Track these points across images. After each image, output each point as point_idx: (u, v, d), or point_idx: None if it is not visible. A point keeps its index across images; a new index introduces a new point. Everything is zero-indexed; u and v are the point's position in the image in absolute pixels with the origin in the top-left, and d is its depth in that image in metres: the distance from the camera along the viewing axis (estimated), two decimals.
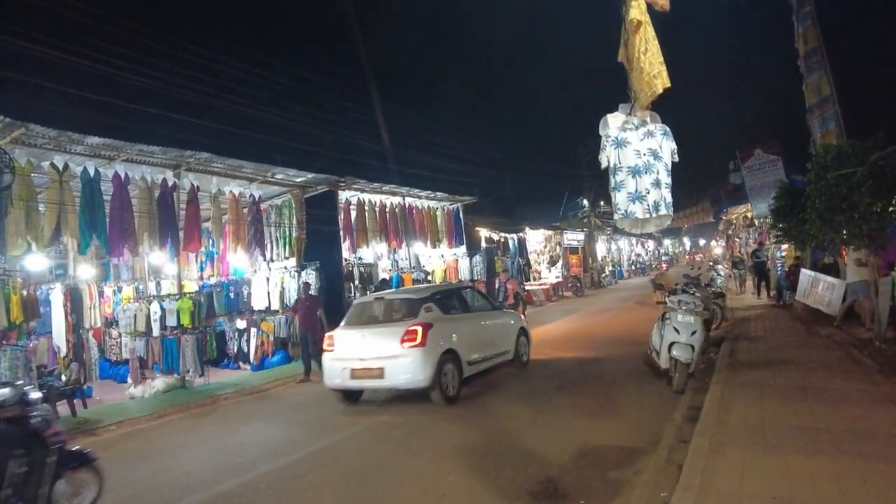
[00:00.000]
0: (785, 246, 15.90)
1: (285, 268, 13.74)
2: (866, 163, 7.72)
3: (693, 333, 7.11)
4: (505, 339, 9.37)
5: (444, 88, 70.46)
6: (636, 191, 6.68)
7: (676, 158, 6.83)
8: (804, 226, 11.96)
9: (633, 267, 44.55)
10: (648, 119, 6.89)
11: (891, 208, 7.79)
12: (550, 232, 28.27)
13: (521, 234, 24.43)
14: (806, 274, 13.28)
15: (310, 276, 12.96)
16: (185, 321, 10.82)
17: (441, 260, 20.68)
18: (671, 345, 7.16)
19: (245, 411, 8.90)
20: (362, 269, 15.39)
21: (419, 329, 7.40)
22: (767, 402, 5.63)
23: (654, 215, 6.73)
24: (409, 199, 17.50)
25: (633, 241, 47.58)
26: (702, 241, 67.43)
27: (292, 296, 13.33)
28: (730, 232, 25.12)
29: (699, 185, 35.46)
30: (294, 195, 13.53)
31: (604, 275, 35.38)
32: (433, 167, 23.84)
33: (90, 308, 11.40)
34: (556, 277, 27.93)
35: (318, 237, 14.18)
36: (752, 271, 17.34)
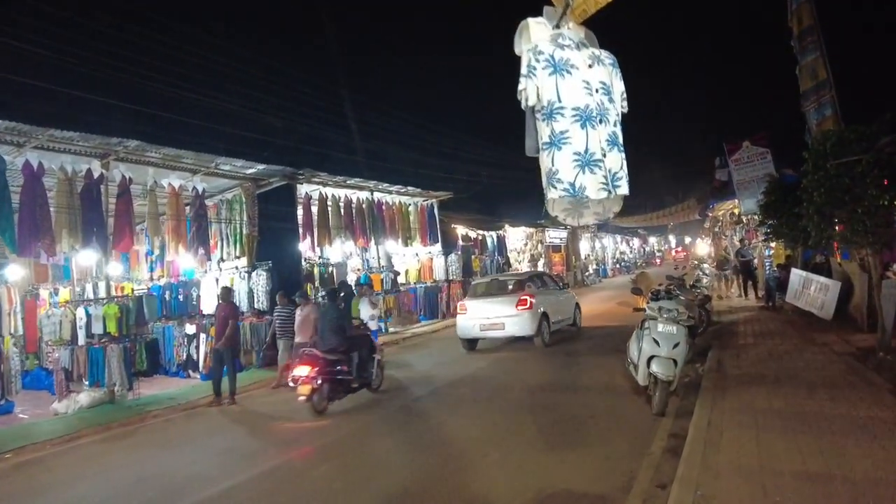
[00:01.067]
0: (773, 244, 15.04)
1: (236, 268, 12.61)
2: (871, 150, 6.78)
3: (675, 346, 6.09)
4: (569, 309, 13.08)
5: (419, 78, 68.16)
6: (586, 150, 3.84)
7: (626, 107, 4.16)
8: (799, 222, 11.07)
9: (618, 265, 43.77)
10: (585, 38, 4.13)
11: None
12: (532, 229, 27.30)
13: (500, 232, 23.43)
14: (797, 274, 12.40)
15: (260, 276, 11.84)
16: (112, 328, 9.66)
17: (416, 259, 19.63)
18: (650, 359, 6.15)
19: (169, 433, 7.76)
20: (323, 269, 14.25)
21: (528, 298, 11.16)
22: (764, 436, 4.63)
23: (612, 193, 3.93)
24: (378, 195, 16.39)
25: (619, 238, 46.84)
26: (687, 239, 66.90)
27: (243, 299, 12.21)
28: (716, 229, 24.19)
29: (685, 181, 34.84)
30: (245, 189, 12.38)
31: (587, 273, 34.53)
32: (407, 161, 22.74)
33: (9, 314, 10.17)
34: None
35: (275, 235, 13.03)
36: (738, 271, 16.46)
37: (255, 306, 11.99)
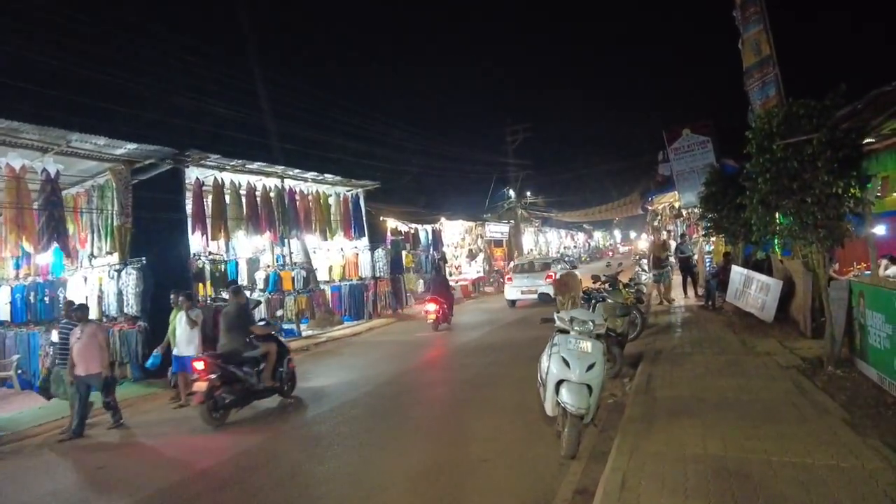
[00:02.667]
0: (713, 239, 14.23)
1: (108, 265, 10.74)
2: (824, 127, 5.66)
3: (590, 367, 4.76)
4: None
5: (345, 57, 62.36)
6: None
7: None
8: (741, 214, 10.10)
9: (563, 260, 43.20)
10: None
11: (852, 190, 5.78)
12: (471, 223, 26.03)
13: (436, 226, 22.03)
14: (738, 272, 11.50)
15: (130, 276, 10.01)
16: None
17: (340, 254, 18.01)
18: (559, 383, 4.83)
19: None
20: (213, 267, 12.48)
21: (553, 275, 16.90)
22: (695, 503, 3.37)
23: None
24: (290, 182, 14.68)
25: (563, 233, 46.34)
26: (633, 234, 67.48)
27: (111, 301, 10.37)
28: (656, 223, 23.37)
29: (631, 175, 34.34)
30: (116, 173, 10.48)
31: None
32: (332, 147, 21.02)
33: None
34: (478, 272, 25.81)
35: (158, 227, 11.20)
36: (676, 268, 15.61)
37: (126, 311, 10.16)
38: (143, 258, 10.25)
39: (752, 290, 10.71)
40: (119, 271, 10.22)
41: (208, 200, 12.47)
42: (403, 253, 19.95)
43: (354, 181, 17.02)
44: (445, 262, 22.04)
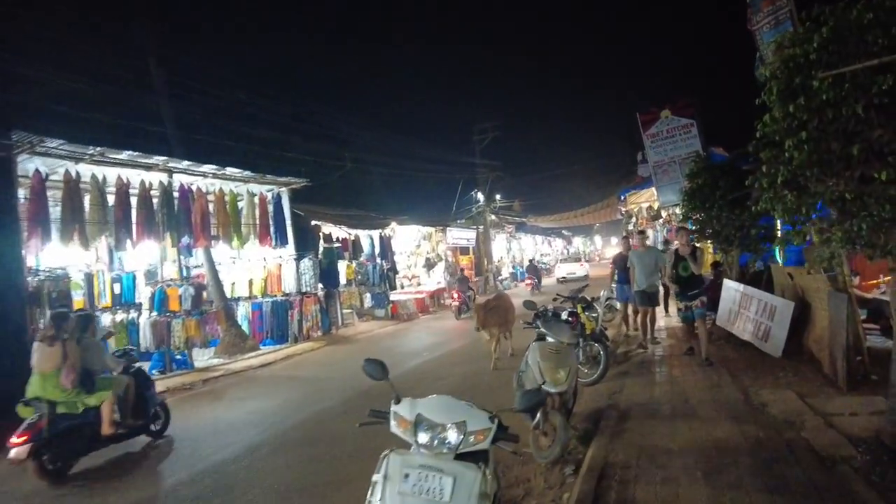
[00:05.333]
0: (699, 245, 11.68)
1: None
2: None
3: None
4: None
5: (275, 37, 49.85)
6: None
7: None
8: (738, 213, 7.62)
9: (540, 266, 40.65)
10: None
11: None
12: (430, 229, 23.32)
13: (384, 232, 19.28)
14: (732, 288, 8.96)
15: None
16: None
17: (262, 265, 15.22)
18: None
19: None
20: (51, 283, 9.59)
21: (585, 262, 34.61)
22: None
23: None
24: (184, 179, 11.89)
25: (539, 239, 43.84)
26: (613, 240, 65.28)
27: None
28: (630, 227, 20.38)
29: (610, 178, 31.94)
30: None
31: (501, 277, 31.09)
32: (256, 140, 18.22)
33: None
34: (438, 283, 23.10)
35: None
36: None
37: None
38: None
39: (752, 312, 8.16)
40: None
41: (59, 198, 9.67)
42: (342, 263, 17.19)
43: (274, 178, 14.23)
44: (395, 272, 19.29)
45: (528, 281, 28.18)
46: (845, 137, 3.29)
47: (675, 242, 8.86)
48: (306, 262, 14.77)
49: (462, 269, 24.03)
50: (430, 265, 22.54)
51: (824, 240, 3.62)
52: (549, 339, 5.25)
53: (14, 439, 5.24)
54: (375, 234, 18.86)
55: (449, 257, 25.49)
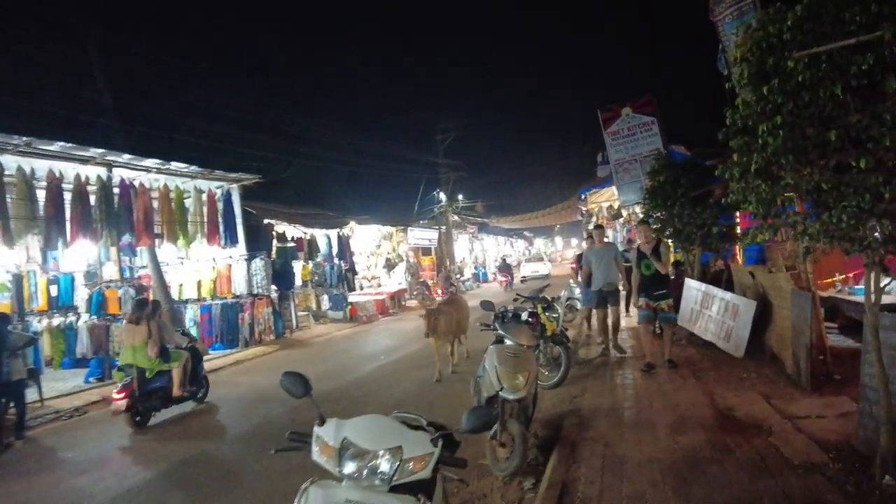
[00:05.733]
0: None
1: None
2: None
3: None
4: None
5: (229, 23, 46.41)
6: None
7: None
8: (700, 211, 7.48)
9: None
10: None
11: None
12: (391, 228, 22.84)
13: (343, 231, 18.71)
14: (693, 288, 8.85)
15: None
16: None
17: (211, 265, 14.50)
18: None
19: None
20: None
21: (549, 263, 35.81)
22: None
23: None
24: (126, 173, 11.14)
25: (502, 240, 43.82)
26: (574, 241, 65.97)
27: None
28: (590, 226, 20.00)
29: (572, 180, 32.04)
30: None
31: (463, 278, 30.81)
32: (204, 133, 17.42)
33: None
34: (399, 284, 22.64)
35: None
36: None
37: None
38: None
39: (714, 312, 8.05)
40: None
41: None
42: (298, 264, 16.58)
43: (223, 174, 13.55)
44: (354, 273, 18.76)
45: (502, 279, 28.05)
46: (821, 122, 3.05)
47: (637, 240, 8.61)
48: (258, 263, 14.12)
49: (440, 270, 23.54)
50: (390, 266, 22.05)
51: (799, 232, 3.38)
52: (508, 342, 4.92)
53: (115, 395, 6.82)
54: (333, 233, 18.29)
55: (410, 258, 25.10)
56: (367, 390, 8.28)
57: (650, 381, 6.61)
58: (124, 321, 7.84)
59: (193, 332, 14.14)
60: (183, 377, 7.50)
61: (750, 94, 3.34)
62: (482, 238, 37.97)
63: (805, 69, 3.01)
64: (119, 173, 11.00)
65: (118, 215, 10.79)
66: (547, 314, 7.52)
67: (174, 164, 11.84)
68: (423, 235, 26.00)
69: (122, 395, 6.80)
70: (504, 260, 31.89)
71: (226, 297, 14.29)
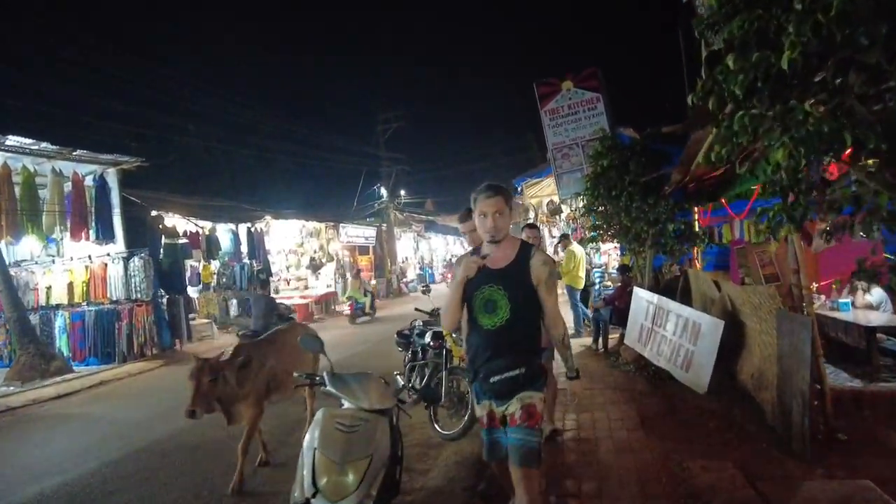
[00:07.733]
0: (611, 245, 9.95)
1: None
2: None
3: None
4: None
5: None
6: None
7: None
8: (652, 204, 5.86)
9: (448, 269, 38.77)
10: None
11: None
12: (319, 224, 20.63)
13: (254, 225, 16.41)
14: (643, 299, 7.11)
15: None
16: None
17: (85, 264, 12.11)
18: None
19: None
20: None
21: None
22: None
23: None
24: None
25: (451, 239, 41.98)
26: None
27: None
28: (529, 221, 17.90)
29: (517, 174, 30.46)
30: None
31: (407, 280, 28.85)
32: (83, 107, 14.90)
33: None
34: (328, 286, 20.47)
35: None
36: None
37: None
38: None
39: (669, 331, 6.33)
40: None
41: None
42: (196, 264, 14.27)
43: (91, 155, 11.15)
44: (269, 274, 16.50)
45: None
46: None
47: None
48: (136, 262, 11.75)
49: (359, 270, 21.44)
50: (315, 266, 19.85)
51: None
52: (345, 405, 2.99)
53: None
54: (242, 228, 15.99)
55: (346, 257, 22.97)
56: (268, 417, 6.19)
57: (586, 433, 4.82)
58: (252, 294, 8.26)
59: (63, 344, 11.84)
60: None
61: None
62: (429, 237, 36.05)
63: None
64: None
65: None
66: (455, 335, 5.61)
67: (13, 139, 9.44)
68: (358, 233, 23.88)
69: None
70: (451, 260, 30.11)
71: (102, 303, 11.94)
